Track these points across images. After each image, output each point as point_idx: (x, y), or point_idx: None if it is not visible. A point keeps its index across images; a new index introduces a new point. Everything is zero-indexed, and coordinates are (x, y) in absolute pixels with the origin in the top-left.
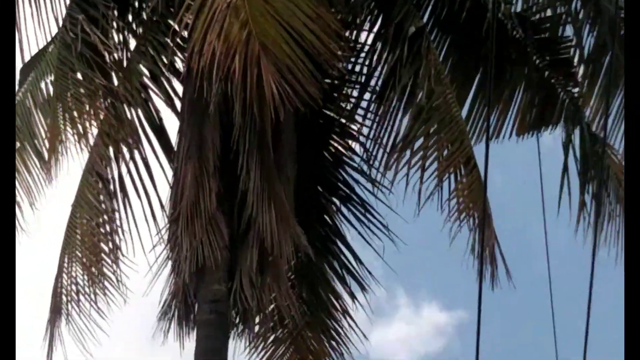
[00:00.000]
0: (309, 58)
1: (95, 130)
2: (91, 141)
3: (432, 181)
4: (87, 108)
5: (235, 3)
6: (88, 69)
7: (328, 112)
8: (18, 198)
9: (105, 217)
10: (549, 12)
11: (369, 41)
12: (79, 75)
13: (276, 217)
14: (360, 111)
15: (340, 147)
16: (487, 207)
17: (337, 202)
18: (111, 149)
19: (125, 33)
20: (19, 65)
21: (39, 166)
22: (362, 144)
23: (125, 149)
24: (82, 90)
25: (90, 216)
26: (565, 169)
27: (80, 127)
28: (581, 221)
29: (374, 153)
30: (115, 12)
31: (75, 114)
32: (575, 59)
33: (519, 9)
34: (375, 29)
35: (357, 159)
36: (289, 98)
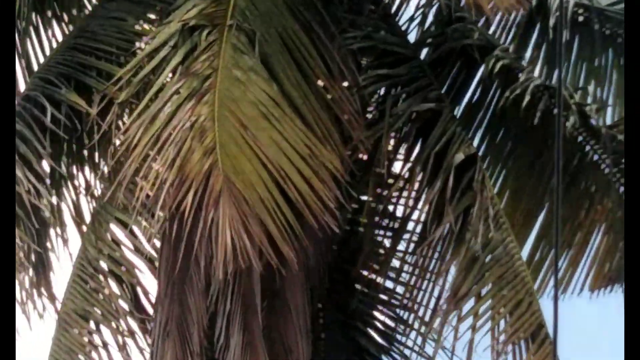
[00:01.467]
0: (294, 210)
1: None
2: None
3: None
4: None
5: (202, 123)
6: None
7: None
8: None
9: None
10: None
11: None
12: None
13: None
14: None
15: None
16: None
17: None
18: None
19: None
20: None
21: None
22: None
23: None
24: None
25: None
26: None
27: None
28: None
29: (409, 320)
30: None
31: None
32: None
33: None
34: (412, 157)
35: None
36: (249, 258)
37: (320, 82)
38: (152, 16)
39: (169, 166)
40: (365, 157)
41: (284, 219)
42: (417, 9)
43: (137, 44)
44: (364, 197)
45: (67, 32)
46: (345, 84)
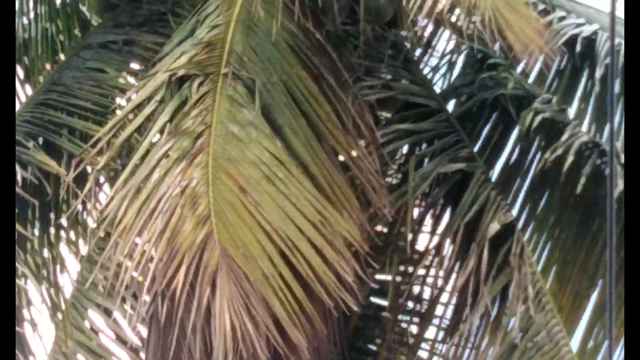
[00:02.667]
0: (304, 287)
1: None
2: None
3: None
4: None
5: (195, 189)
6: None
7: None
8: None
9: None
10: None
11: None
12: None
13: None
14: None
15: None
16: None
17: None
18: None
19: None
20: None
21: None
22: None
23: None
24: None
25: None
26: None
27: None
28: None
29: None
30: None
31: None
32: None
33: None
34: (440, 227)
35: None
36: (252, 345)
37: (332, 138)
38: (135, 66)
39: (156, 239)
40: (385, 229)
41: (292, 298)
42: (442, 55)
43: (118, 100)
44: (385, 277)
45: (36, 85)
46: (362, 141)
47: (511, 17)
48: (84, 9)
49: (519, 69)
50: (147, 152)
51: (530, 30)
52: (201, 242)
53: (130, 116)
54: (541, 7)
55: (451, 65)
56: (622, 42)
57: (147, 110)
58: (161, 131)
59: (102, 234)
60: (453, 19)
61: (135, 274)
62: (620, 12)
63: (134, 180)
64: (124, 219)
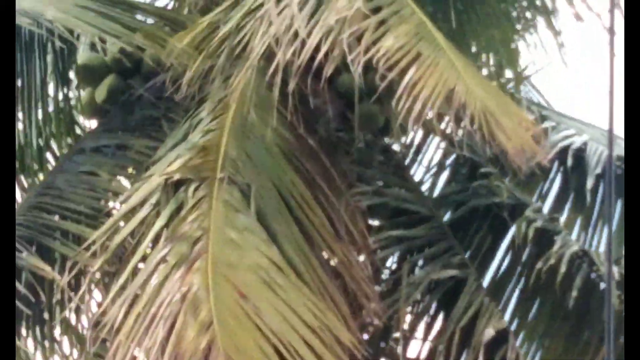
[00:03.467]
0: None
1: None
2: None
3: None
4: None
5: (196, 294)
6: None
7: None
8: None
9: None
10: None
11: None
12: None
13: None
14: None
15: None
16: None
17: None
18: None
19: None
20: None
21: None
22: None
23: None
24: None
25: None
26: None
27: None
28: None
29: None
30: None
31: None
32: None
33: None
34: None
35: None
36: None
37: (325, 245)
38: (129, 170)
39: (159, 347)
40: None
41: None
42: (431, 163)
43: (111, 204)
44: None
45: (25, 188)
46: (354, 247)
47: (503, 118)
48: (76, 114)
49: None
50: (144, 257)
51: (524, 132)
52: (205, 349)
53: (124, 220)
54: (531, 117)
55: (440, 171)
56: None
57: (142, 213)
58: (157, 235)
59: (96, 341)
60: (442, 126)
61: None
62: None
63: (132, 285)
64: (124, 326)
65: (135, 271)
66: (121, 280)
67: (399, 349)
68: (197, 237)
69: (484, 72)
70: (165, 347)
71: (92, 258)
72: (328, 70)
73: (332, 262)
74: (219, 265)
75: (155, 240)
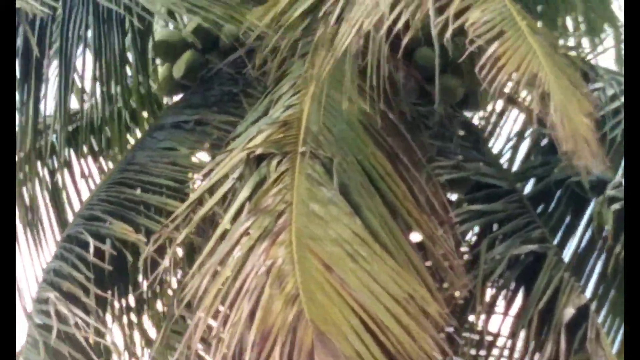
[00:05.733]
0: None
1: None
2: None
3: None
4: None
5: (280, 267)
6: None
7: None
8: None
9: None
10: None
11: None
12: None
13: None
14: None
15: None
16: None
17: None
18: None
19: None
20: None
21: None
22: None
23: None
24: None
25: None
26: None
27: None
28: None
29: None
30: None
31: None
32: None
33: None
34: (512, 309)
35: None
36: None
37: (408, 217)
38: (208, 146)
39: (246, 320)
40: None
41: None
42: (509, 137)
43: (193, 175)
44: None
45: (105, 168)
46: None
47: (572, 122)
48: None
49: None
50: (226, 231)
51: (587, 133)
52: (292, 321)
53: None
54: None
55: (520, 143)
56: None
57: (225, 187)
58: (239, 209)
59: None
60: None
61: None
62: None
63: (214, 258)
64: (206, 299)
65: (216, 245)
66: (205, 251)
67: (480, 323)
68: (281, 211)
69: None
70: (251, 321)
71: (176, 231)
72: (406, 41)
73: (415, 235)
74: (303, 238)
75: (237, 214)
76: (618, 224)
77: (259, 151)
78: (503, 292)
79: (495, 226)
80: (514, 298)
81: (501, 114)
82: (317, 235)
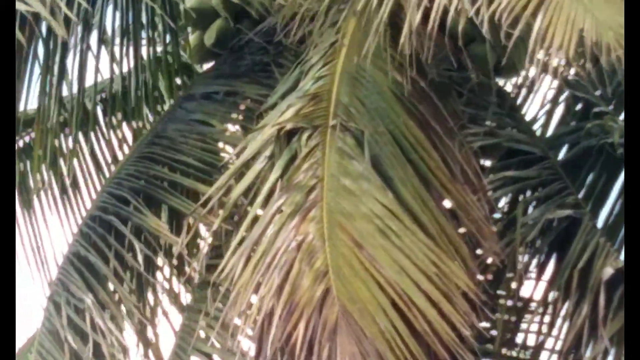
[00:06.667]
0: (421, 344)
1: None
2: None
3: None
4: None
5: (311, 243)
6: None
7: None
8: None
9: None
10: None
11: None
12: None
13: None
14: None
15: None
16: None
17: None
18: None
19: None
20: None
21: None
22: None
23: None
24: None
25: None
26: None
27: None
28: None
29: None
30: None
31: None
32: None
33: None
34: (545, 275)
35: None
36: None
37: (441, 186)
38: (240, 118)
39: (274, 294)
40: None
41: (408, 355)
42: (543, 103)
43: (223, 156)
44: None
45: (138, 135)
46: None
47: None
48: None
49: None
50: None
51: None
52: (319, 298)
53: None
54: None
55: (554, 109)
56: None
57: (257, 167)
58: (271, 188)
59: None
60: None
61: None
62: None
63: (250, 237)
64: (243, 275)
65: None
66: (239, 235)
67: (513, 288)
68: (312, 186)
69: None
70: (280, 295)
71: (209, 214)
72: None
73: (448, 203)
74: (334, 213)
75: (271, 193)
76: None
77: (289, 126)
78: (537, 257)
79: (528, 193)
80: (546, 263)
81: (535, 80)
82: (347, 211)
